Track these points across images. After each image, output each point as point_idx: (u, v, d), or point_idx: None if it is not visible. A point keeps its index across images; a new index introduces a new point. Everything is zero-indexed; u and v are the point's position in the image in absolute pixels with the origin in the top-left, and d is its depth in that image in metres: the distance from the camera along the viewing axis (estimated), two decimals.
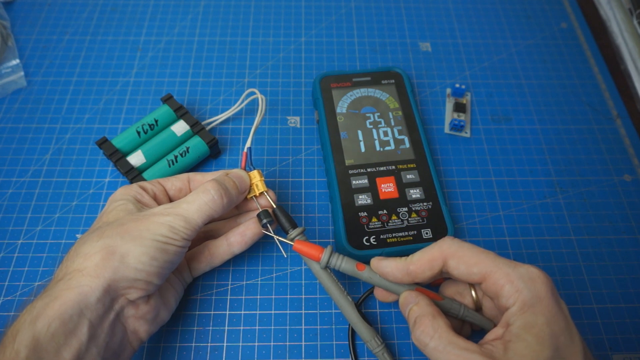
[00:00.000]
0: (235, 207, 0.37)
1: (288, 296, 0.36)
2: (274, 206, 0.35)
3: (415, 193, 0.39)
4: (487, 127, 0.46)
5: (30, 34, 0.50)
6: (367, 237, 0.36)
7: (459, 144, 0.45)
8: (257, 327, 0.35)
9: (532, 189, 0.42)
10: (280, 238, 0.33)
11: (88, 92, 0.46)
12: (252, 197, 0.35)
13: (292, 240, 0.33)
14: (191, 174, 0.35)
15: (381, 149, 0.41)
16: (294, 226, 0.34)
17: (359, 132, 0.42)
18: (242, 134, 0.44)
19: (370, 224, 0.37)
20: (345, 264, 0.32)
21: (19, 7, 0.52)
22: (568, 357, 0.25)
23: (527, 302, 0.26)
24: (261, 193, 0.35)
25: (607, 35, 0.54)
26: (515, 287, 0.27)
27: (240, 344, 0.34)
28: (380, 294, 0.33)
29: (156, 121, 0.41)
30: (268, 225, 0.34)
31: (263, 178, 0.35)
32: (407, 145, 0.41)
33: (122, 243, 0.28)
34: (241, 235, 0.34)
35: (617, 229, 0.40)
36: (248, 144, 0.35)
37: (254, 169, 0.35)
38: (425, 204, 0.38)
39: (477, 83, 0.49)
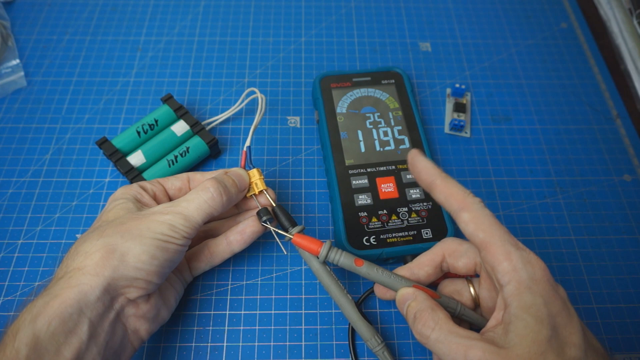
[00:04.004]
0: (235, 206, 0.37)
1: (288, 296, 0.36)
2: (274, 205, 0.35)
3: (415, 193, 0.39)
4: (487, 127, 0.46)
5: (30, 34, 0.50)
6: (367, 237, 0.36)
7: (459, 144, 0.45)
8: (257, 327, 0.35)
9: (532, 189, 0.42)
10: (279, 231, 0.33)
11: (88, 92, 0.46)
12: (251, 195, 0.35)
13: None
14: (191, 174, 0.35)
15: (381, 149, 0.41)
16: (294, 224, 0.34)
17: (359, 132, 0.42)
18: (242, 134, 0.44)
19: (370, 224, 0.37)
20: (344, 259, 0.32)
21: (19, 7, 0.52)
22: (567, 337, 0.25)
23: (524, 283, 0.26)
24: (260, 191, 0.35)
25: (607, 35, 0.54)
26: (512, 265, 0.27)
27: (240, 344, 0.34)
28: (379, 291, 0.33)
29: (156, 121, 0.41)
30: (267, 222, 0.34)
31: (262, 177, 0.35)
32: (407, 145, 0.41)
33: (123, 241, 0.28)
34: (241, 233, 0.34)
35: (617, 229, 0.40)
36: (247, 143, 0.35)
37: (254, 167, 0.35)
38: (425, 204, 0.38)
39: (477, 83, 0.49)
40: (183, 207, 0.30)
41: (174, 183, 0.35)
